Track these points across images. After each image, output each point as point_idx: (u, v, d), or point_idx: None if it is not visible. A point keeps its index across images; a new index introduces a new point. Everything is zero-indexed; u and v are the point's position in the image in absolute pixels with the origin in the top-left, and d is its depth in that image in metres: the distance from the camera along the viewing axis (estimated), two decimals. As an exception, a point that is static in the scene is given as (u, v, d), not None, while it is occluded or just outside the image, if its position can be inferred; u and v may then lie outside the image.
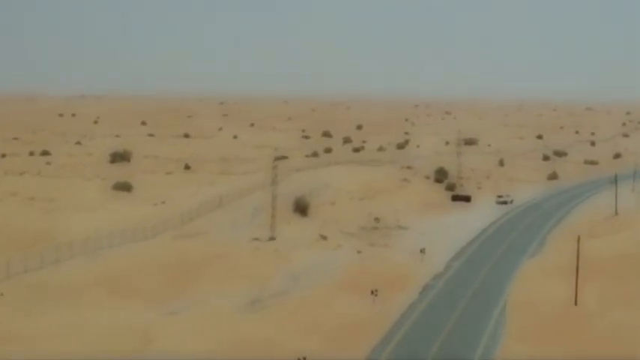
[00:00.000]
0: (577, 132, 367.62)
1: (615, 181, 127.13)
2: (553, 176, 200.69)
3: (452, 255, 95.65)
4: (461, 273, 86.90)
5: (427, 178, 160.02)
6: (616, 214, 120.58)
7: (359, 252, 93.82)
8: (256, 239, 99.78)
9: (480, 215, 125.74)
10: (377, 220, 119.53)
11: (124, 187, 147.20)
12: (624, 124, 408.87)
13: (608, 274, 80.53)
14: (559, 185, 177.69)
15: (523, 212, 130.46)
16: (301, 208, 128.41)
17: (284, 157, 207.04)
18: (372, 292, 75.33)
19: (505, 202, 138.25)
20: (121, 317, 71.59)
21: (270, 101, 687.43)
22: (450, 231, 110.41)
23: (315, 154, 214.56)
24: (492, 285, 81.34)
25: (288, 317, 70.50)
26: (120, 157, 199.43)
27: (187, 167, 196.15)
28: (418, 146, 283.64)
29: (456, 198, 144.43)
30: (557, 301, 74.11)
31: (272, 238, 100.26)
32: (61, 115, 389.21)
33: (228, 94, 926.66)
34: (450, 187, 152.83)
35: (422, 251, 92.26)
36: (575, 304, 72.62)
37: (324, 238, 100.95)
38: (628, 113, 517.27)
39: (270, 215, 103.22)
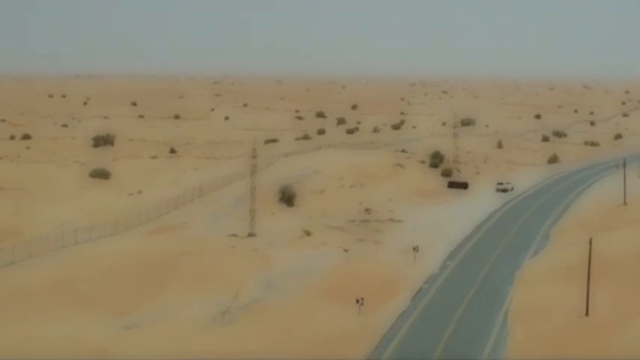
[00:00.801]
0: (576, 111, 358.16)
1: (624, 166, 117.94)
2: (553, 159, 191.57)
3: (447, 253, 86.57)
4: (457, 275, 77.94)
5: (422, 162, 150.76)
6: (624, 203, 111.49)
7: (345, 250, 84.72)
8: (234, 235, 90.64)
9: (478, 205, 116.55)
10: (367, 211, 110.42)
11: (102, 174, 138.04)
12: (624, 104, 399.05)
13: (621, 277, 71.49)
14: (560, 169, 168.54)
15: (524, 201, 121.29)
16: (287, 198, 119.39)
17: (274, 141, 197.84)
18: (358, 301, 66.42)
19: (505, 190, 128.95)
20: (73, 331, 62.67)
21: (265, 81, 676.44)
22: (445, 224, 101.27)
23: (306, 137, 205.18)
24: (492, 290, 72.37)
25: (260, 331, 61.58)
26: (103, 141, 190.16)
27: (173, 151, 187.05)
28: (414, 127, 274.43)
29: (452, 185, 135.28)
30: (565, 311, 65.13)
31: (251, 235, 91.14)
32: (51, 96, 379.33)
33: (223, 73, 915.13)
34: (446, 173, 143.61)
35: (415, 249, 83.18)
36: (587, 314, 63.66)
37: (307, 233, 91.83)
38: (627, 92, 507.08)
39: (249, 210, 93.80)
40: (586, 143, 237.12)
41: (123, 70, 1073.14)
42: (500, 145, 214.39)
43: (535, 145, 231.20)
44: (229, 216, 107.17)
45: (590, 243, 64.14)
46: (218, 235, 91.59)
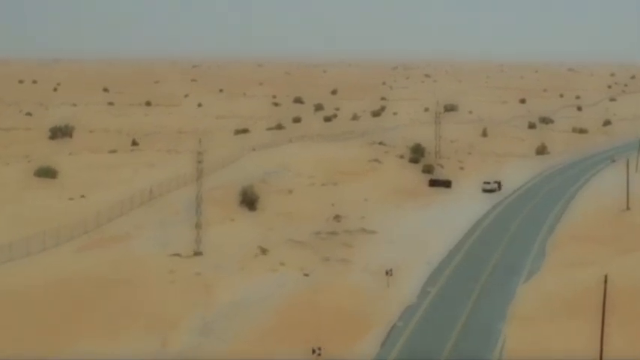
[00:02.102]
0: (561, 95, 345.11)
1: (627, 166, 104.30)
2: (542, 149, 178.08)
3: (427, 274, 72.53)
4: (438, 307, 64.03)
5: (401, 157, 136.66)
6: (628, 208, 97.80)
7: (306, 275, 70.47)
8: (177, 255, 76.31)
9: (463, 209, 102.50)
10: (337, 218, 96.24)
11: (48, 173, 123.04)
12: (610, 87, 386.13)
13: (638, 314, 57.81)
14: (550, 162, 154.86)
15: (514, 204, 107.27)
16: (249, 201, 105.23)
17: (244, 131, 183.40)
18: (314, 352, 52.50)
19: (492, 190, 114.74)
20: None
21: (245, 64, 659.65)
22: (425, 234, 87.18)
23: (279, 127, 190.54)
24: (480, 330, 58.45)
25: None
26: (61, 133, 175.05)
27: (134, 143, 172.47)
28: (395, 113, 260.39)
29: (434, 183, 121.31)
30: (572, 363, 51.42)
31: (197, 253, 76.81)
32: (21, 81, 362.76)
33: (203, 57, 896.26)
34: (428, 169, 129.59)
35: (388, 273, 69.18)
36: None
37: (264, 251, 77.58)
38: (612, 75, 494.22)
39: (195, 224, 79.44)
40: (574, 130, 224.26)
41: (105, 54, 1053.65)
42: (485, 134, 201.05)
43: (521, 132, 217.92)
44: (180, 224, 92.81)
45: (605, 281, 50.17)
46: (159, 253, 77.23)
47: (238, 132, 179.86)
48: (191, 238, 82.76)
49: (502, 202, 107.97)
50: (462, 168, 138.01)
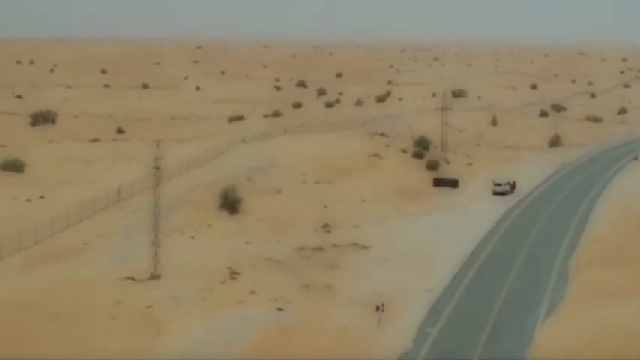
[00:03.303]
0: (573, 81, 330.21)
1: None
2: (555, 141, 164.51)
3: (427, 308, 59.37)
4: (438, 353, 51.07)
5: (404, 152, 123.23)
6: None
7: (280, 309, 57.38)
8: (130, 278, 63.38)
9: (471, 216, 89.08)
10: (327, 228, 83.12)
11: (15, 166, 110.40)
12: (622, 73, 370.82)
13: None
14: (565, 157, 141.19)
15: (529, 211, 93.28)
16: (230, 204, 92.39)
17: (239, 118, 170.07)
18: None
19: (504, 193, 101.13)
20: None
21: (251, 46, 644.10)
22: (426, 252, 73.86)
23: (276, 114, 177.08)
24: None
25: None
26: (43, 119, 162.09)
27: (120, 131, 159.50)
28: (400, 99, 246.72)
29: (439, 183, 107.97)
30: None
31: (155, 276, 63.84)
32: (19, 62, 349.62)
33: (210, 38, 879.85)
34: (432, 166, 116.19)
35: (379, 308, 56.13)
36: None
37: (234, 275, 64.48)
38: (624, 60, 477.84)
39: (152, 242, 66.38)
40: (588, 119, 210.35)
41: (112, 34, 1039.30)
42: (494, 122, 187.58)
43: (533, 120, 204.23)
44: (147, 234, 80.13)
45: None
46: (110, 274, 64.33)
47: (232, 119, 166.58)
48: (158, 250, 69.98)
49: (515, 207, 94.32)
50: (469, 164, 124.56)
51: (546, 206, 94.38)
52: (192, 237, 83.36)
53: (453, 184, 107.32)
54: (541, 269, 68.87)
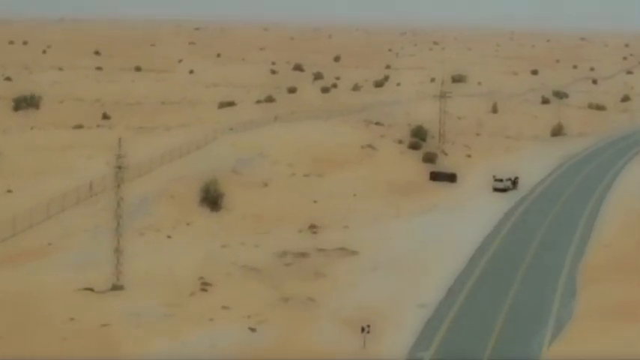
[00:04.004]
0: (575, 67, 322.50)
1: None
2: (558, 130, 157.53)
3: (419, 327, 52.40)
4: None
5: (399, 142, 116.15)
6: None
7: (252, 330, 50.50)
8: (89, 289, 56.52)
9: (469, 216, 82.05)
10: (313, 229, 76.27)
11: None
12: (625, 59, 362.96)
13: None
14: (568, 147, 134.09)
15: (533, 210, 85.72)
16: (211, 199, 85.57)
17: (230, 104, 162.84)
18: None
19: (505, 190, 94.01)
20: None
21: (250, 28, 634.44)
22: (419, 258, 66.89)
23: (269, 99, 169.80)
24: None
25: None
26: (26, 104, 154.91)
27: (106, 117, 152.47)
28: (398, 84, 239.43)
29: (436, 177, 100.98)
30: None
31: (117, 287, 56.93)
32: (11, 42, 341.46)
33: (208, 20, 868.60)
34: (429, 158, 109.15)
35: (365, 329, 49.30)
36: None
37: (205, 286, 57.56)
38: (626, 45, 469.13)
39: (114, 249, 59.44)
40: (590, 107, 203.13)
41: (111, 14, 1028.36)
42: (495, 110, 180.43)
43: (534, 108, 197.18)
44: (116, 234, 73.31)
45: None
46: (69, 282, 57.47)
47: (223, 105, 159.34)
48: (127, 255, 63.24)
49: (517, 206, 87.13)
50: (469, 155, 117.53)
51: (550, 206, 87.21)
52: (169, 236, 76.76)
53: (451, 178, 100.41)
54: (546, 280, 62.02)
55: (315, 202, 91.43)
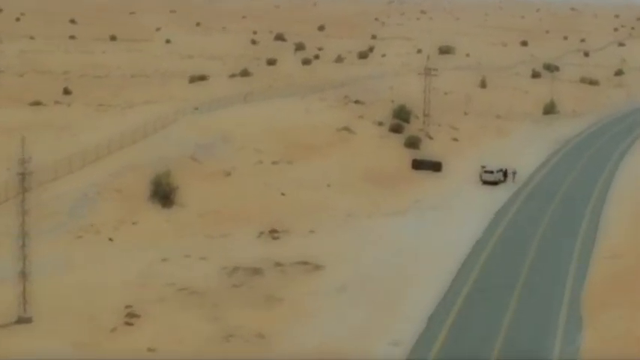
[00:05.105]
0: (565, 38, 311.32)
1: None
2: (550, 108, 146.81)
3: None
4: None
5: (380, 124, 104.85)
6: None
7: (178, 387, 39.78)
8: (-14, 323, 45.37)
9: (456, 217, 70.79)
10: (274, 234, 65.09)
11: None
12: (616, 30, 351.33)
13: None
14: (562, 129, 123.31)
15: (525, 210, 74.40)
16: (163, 194, 74.35)
17: (202, 78, 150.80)
18: None
19: (495, 183, 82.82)
20: None
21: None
22: (395, 275, 55.77)
23: (245, 73, 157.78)
24: None
25: None
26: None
27: (67, 92, 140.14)
28: (384, 55, 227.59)
29: (419, 165, 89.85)
30: None
31: (23, 320, 45.67)
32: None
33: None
34: (412, 143, 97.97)
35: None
36: None
37: (130, 320, 46.27)
38: (617, 16, 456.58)
39: (19, 272, 48.08)
40: (583, 81, 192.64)
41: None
42: (483, 84, 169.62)
43: (525, 82, 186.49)
44: (48, 235, 62.24)
45: None
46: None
47: (194, 79, 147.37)
48: (46, 270, 52.24)
49: (510, 204, 75.65)
50: (455, 139, 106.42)
51: (547, 203, 75.69)
52: (110, 239, 65.80)
53: (436, 167, 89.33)
54: (545, 306, 51.09)
55: (282, 194, 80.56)
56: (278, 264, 55.93)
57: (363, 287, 52.87)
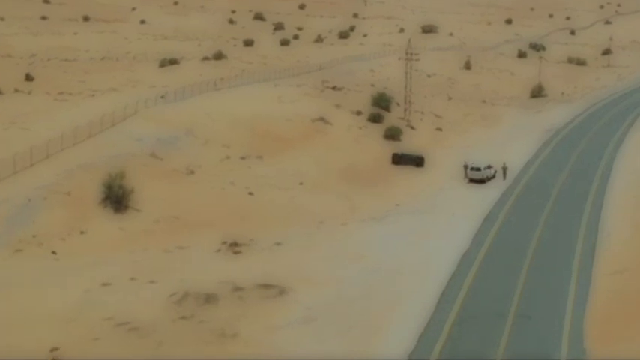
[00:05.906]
0: (551, 16, 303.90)
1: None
2: (538, 91, 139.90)
3: None
4: None
5: (358, 114, 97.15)
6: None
7: None
8: None
9: (441, 222, 63.24)
10: (235, 247, 57.47)
11: None
12: (602, 7, 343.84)
13: None
14: (553, 115, 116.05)
15: (516, 213, 66.73)
16: (115, 198, 66.67)
17: (173, 62, 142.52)
18: None
19: (482, 181, 75.27)
20: None
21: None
22: (370, 300, 48.30)
23: (218, 56, 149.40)
24: None
25: None
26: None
27: (29, 78, 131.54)
28: (365, 35, 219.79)
29: (399, 160, 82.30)
30: None
31: None
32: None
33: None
34: (392, 134, 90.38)
35: None
36: None
37: (53, 367, 39.00)
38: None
39: None
40: (570, 61, 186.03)
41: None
42: (468, 66, 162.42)
43: (510, 62, 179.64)
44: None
45: None
46: None
47: (165, 63, 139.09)
48: None
49: (500, 205, 68.01)
50: (439, 129, 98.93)
51: (540, 205, 67.97)
52: (54, 251, 58.32)
53: (417, 162, 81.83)
54: (543, 339, 43.79)
55: (250, 194, 73.17)
56: (236, 288, 48.29)
57: (334, 317, 45.41)
